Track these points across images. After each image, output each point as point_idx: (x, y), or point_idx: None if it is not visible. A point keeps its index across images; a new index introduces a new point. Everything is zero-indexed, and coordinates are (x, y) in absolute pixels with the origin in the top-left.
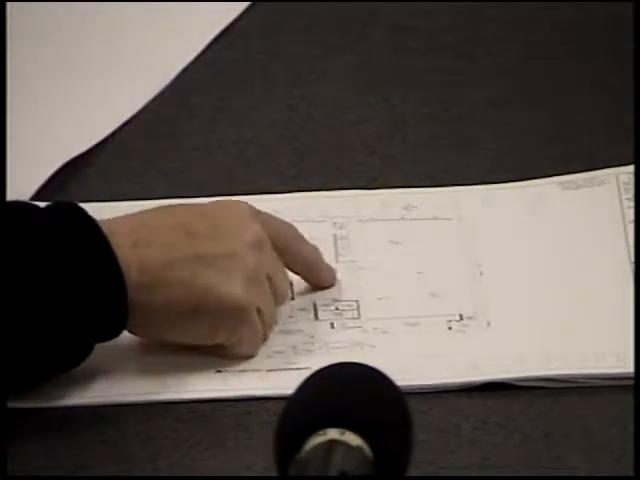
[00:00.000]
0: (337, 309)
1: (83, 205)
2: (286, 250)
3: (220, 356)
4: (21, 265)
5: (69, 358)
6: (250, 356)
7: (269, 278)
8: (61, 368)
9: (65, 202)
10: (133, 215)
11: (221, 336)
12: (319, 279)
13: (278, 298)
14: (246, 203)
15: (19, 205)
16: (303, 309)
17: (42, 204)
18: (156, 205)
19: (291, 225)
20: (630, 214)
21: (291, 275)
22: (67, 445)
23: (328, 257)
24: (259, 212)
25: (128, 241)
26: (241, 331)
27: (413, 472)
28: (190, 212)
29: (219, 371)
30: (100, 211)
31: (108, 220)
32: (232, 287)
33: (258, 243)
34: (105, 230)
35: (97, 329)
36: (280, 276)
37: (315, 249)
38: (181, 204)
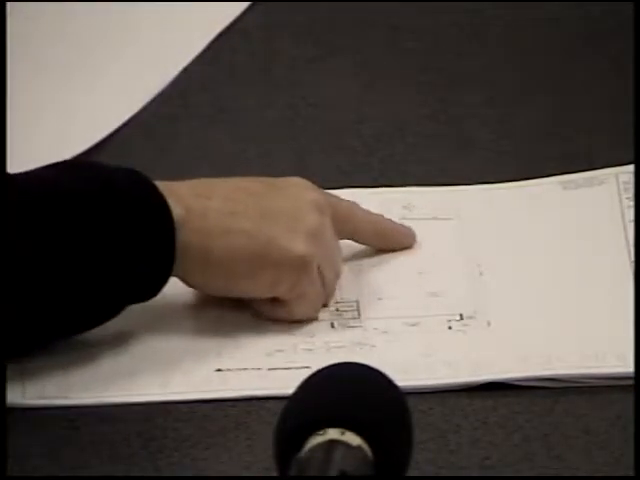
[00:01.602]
0: (337, 309)
1: None
2: (352, 220)
3: (278, 316)
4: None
5: (122, 292)
6: (310, 317)
7: (328, 241)
8: (117, 303)
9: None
10: (188, 180)
11: (282, 288)
12: (397, 242)
13: (334, 270)
14: (305, 180)
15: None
16: None
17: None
18: None
19: (352, 201)
20: (630, 214)
21: None
22: (67, 445)
23: None
24: (318, 188)
25: (189, 193)
26: (302, 285)
27: (413, 472)
28: (250, 179)
29: (219, 370)
30: None
31: (165, 183)
32: (294, 240)
33: (319, 205)
34: (162, 188)
35: (145, 265)
36: (337, 249)
37: (382, 216)
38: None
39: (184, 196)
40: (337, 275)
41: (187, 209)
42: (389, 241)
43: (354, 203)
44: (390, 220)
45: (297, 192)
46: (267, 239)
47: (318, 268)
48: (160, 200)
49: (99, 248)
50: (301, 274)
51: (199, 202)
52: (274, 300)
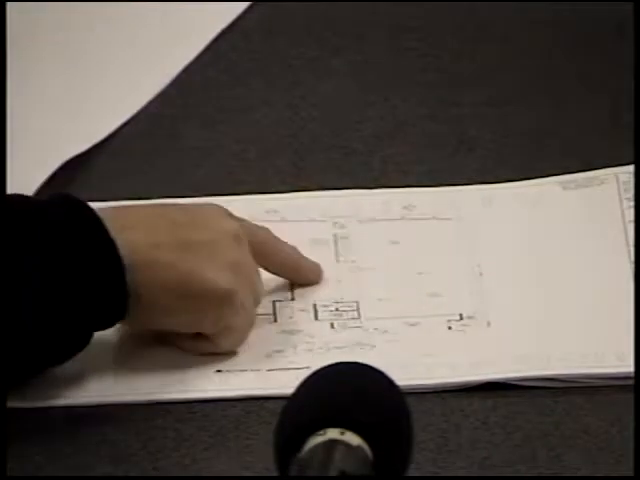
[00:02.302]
0: (337, 309)
1: None
2: (264, 251)
3: (203, 350)
4: (17, 253)
5: (71, 344)
6: (235, 347)
7: (247, 270)
8: (64, 354)
9: (59, 193)
10: (115, 205)
11: (206, 322)
12: (303, 276)
13: (255, 298)
14: (219, 205)
15: (14, 197)
16: (303, 309)
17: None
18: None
19: (266, 228)
20: (630, 214)
21: None
22: (67, 445)
23: (328, 257)
24: (234, 215)
25: (117, 224)
26: (226, 317)
27: (413, 472)
28: (170, 206)
29: (219, 371)
30: (100, 211)
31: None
32: (216, 272)
33: (237, 237)
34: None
35: (97, 311)
36: (257, 277)
37: (294, 248)
38: (160, 201)
39: (110, 228)
40: (257, 302)
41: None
42: (296, 275)
43: (268, 232)
44: (299, 254)
45: (215, 222)
46: (189, 271)
47: (241, 299)
48: (105, 237)
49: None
50: (225, 307)
51: (125, 235)
52: (197, 335)
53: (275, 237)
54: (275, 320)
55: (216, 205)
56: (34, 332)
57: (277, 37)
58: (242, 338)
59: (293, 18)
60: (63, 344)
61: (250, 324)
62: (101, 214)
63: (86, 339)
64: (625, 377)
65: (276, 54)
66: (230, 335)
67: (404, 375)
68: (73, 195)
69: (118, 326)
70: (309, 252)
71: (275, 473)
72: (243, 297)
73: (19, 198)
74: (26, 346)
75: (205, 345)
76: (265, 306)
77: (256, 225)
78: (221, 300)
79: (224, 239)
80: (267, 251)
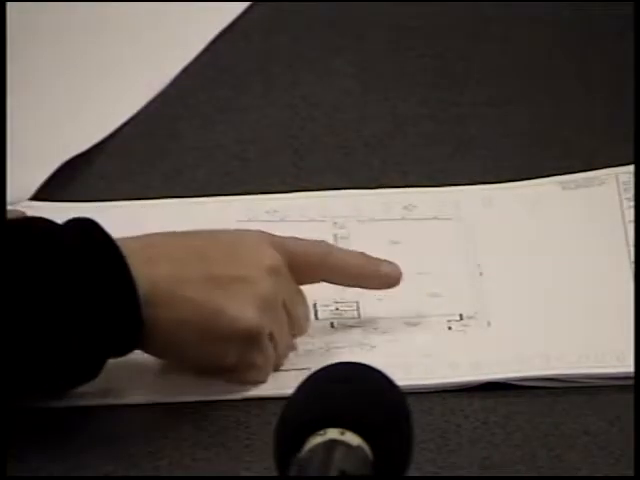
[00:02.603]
0: (337, 309)
1: (83, 205)
2: (323, 265)
3: (229, 380)
4: (34, 279)
5: (84, 371)
6: (260, 382)
7: (285, 305)
8: (75, 381)
9: (83, 218)
10: (146, 235)
11: (230, 360)
12: (376, 283)
13: (295, 326)
14: (263, 231)
15: (38, 221)
16: None
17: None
18: (156, 205)
19: (321, 241)
20: (630, 214)
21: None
22: (67, 445)
23: None
24: (279, 237)
25: (141, 258)
26: (252, 356)
27: (413, 472)
28: (203, 237)
29: None
30: (100, 211)
31: (121, 238)
32: (243, 311)
33: (274, 269)
34: (119, 245)
35: (110, 343)
36: (298, 304)
37: (358, 254)
38: (195, 230)
39: (135, 262)
40: (301, 330)
41: (138, 280)
42: (368, 283)
43: (324, 247)
44: (367, 261)
45: (251, 255)
46: (214, 310)
47: (271, 336)
48: (123, 271)
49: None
50: (250, 346)
51: (148, 270)
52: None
53: (332, 248)
54: None
55: (258, 233)
56: (44, 357)
57: (277, 37)
58: (267, 372)
59: (293, 18)
60: (74, 371)
61: (279, 356)
62: (128, 246)
63: (99, 367)
64: (625, 377)
65: (276, 54)
66: (254, 370)
67: (404, 375)
68: (99, 225)
69: None
70: None
71: (275, 473)
72: (274, 331)
73: (42, 223)
74: (37, 371)
75: (229, 377)
76: None
77: (308, 241)
78: (247, 339)
79: (257, 273)
80: (324, 264)
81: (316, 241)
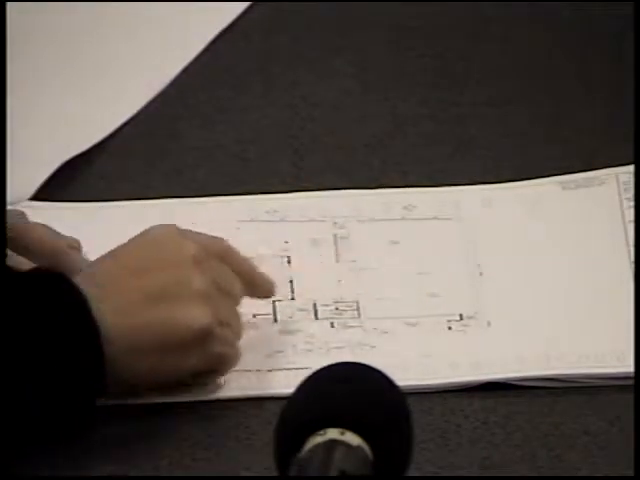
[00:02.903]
0: (337, 309)
1: (83, 205)
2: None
3: (212, 379)
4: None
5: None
6: (234, 363)
7: (219, 286)
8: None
9: (47, 270)
10: (90, 263)
11: (197, 362)
12: (255, 291)
13: (233, 299)
14: (167, 225)
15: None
16: (303, 309)
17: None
18: (156, 205)
19: (221, 238)
20: (630, 214)
21: (290, 274)
22: (67, 445)
23: (328, 257)
24: (181, 229)
25: (92, 294)
26: (213, 348)
27: (413, 472)
28: (126, 250)
29: None
30: (100, 211)
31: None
32: (190, 314)
33: (196, 258)
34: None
35: (77, 387)
36: (227, 277)
37: (249, 261)
38: (122, 246)
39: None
40: (237, 299)
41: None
42: (248, 288)
43: (223, 242)
44: (254, 268)
45: (171, 254)
46: (164, 326)
47: (220, 321)
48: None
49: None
50: (210, 341)
51: (97, 304)
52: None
53: (231, 248)
54: (275, 320)
55: (165, 228)
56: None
57: (277, 37)
58: (236, 353)
59: (293, 18)
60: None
61: (237, 333)
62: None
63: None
64: (625, 377)
65: (276, 54)
66: (222, 359)
67: (404, 375)
68: (63, 274)
69: None
70: (309, 252)
71: (275, 473)
72: (222, 318)
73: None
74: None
75: (205, 377)
76: (265, 306)
77: (209, 237)
78: (202, 338)
79: (186, 270)
80: (225, 261)
81: (215, 238)
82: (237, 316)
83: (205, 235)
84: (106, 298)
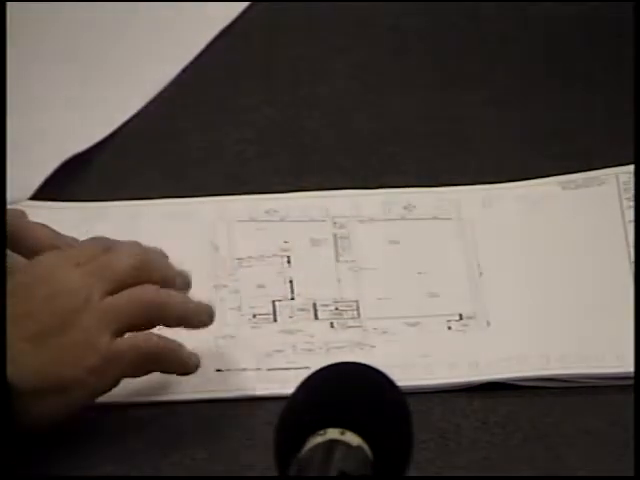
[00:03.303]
0: (337, 309)
1: (83, 205)
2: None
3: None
4: None
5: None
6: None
7: (108, 293)
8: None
9: None
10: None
11: (116, 377)
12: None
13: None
14: (59, 252)
15: None
16: (303, 309)
17: None
18: (156, 205)
19: (157, 249)
20: (630, 214)
21: (290, 274)
22: (67, 445)
23: (328, 256)
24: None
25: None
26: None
27: (413, 472)
28: (23, 286)
29: (219, 370)
30: (100, 211)
31: None
32: (89, 343)
33: (88, 293)
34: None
35: None
36: (120, 271)
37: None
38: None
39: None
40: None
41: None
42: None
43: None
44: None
45: (60, 284)
46: (62, 367)
47: (117, 331)
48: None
49: None
50: (113, 360)
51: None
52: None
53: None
54: (275, 320)
55: (54, 256)
56: None
57: (277, 37)
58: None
59: (293, 18)
60: None
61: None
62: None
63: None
64: (624, 377)
65: (276, 54)
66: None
67: (403, 375)
68: None
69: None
70: (309, 252)
71: (275, 473)
72: (128, 328)
73: None
74: None
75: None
76: (265, 306)
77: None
78: (110, 358)
79: (68, 285)
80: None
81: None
82: (138, 305)
83: (120, 250)
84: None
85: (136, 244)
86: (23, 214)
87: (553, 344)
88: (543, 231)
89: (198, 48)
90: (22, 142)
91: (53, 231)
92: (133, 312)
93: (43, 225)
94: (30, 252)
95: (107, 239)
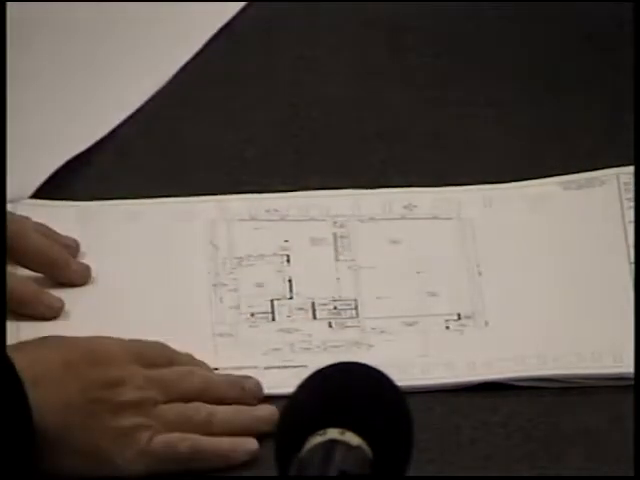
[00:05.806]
0: (335, 308)
1: (83, 204)
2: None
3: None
4: None
5: None
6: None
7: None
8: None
9: None
10: (32, 347)
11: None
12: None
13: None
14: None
15: None
16: (301, 308)
17: None
18: (156, 205)
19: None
20: (630, 214)
21: (289, 273)
22: None
23: (328, 256)
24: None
25: (27, 377)
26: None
27: (413, 472)
28: (78, 356)
29: (216, 369)
30: (100, 211)
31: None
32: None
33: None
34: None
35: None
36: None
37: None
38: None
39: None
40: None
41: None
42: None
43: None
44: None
45: (114, 357)
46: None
47: (155, 401)
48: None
49: None
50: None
51: (37, 394)
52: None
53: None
54: (273, 319)
55: (118, 346)
56: None
57: (277, 37)
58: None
59: (293, 18)
60: None
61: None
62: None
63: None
64: (623, 377)
65: (276, 54)
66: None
67: (401, 375)
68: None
69: (116, 324)
70: (309, 251)
71: (275, 473)
72: (158, 398)
73: None
74: None
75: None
76: (263, 304)
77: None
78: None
79: (128, 371)
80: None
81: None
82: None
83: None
84: (46, 387)
85: (198, 362)
86: (28, 220)
87: (551, 344)
88: (543, 231)
89: (197, 47)
90: (22, 142)
91: (52, 231)
92: (181, 426)
93: (41, 231)
94: (28, 263)
95: (168, 347)
